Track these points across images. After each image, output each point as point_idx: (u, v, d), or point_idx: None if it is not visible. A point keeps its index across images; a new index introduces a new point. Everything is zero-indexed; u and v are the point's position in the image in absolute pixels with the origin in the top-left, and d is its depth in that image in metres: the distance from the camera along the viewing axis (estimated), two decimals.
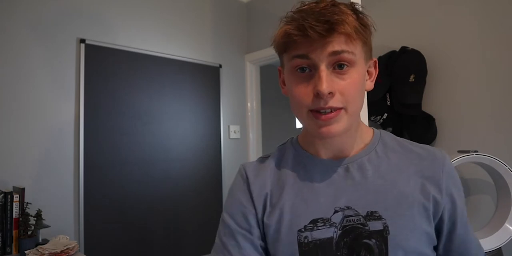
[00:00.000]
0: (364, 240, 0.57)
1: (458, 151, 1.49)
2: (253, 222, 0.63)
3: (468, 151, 1.44)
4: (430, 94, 1.78)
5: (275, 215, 0.61)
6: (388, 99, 1.81)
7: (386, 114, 1.81)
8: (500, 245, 1.38)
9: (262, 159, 0.71)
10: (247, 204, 0.64)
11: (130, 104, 2.15)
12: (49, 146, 1.85)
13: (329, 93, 0.54)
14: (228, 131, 2.68)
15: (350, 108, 0.57)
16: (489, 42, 1.62)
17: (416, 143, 0.66)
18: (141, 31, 2.26)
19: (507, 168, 1.40)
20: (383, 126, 1.86)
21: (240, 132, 2.77)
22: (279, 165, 0.68)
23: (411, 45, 1.81)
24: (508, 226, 1.40)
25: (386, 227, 0.56)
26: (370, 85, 0.64)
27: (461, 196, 0.62)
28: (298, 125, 3.43)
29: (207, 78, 2.57)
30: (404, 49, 1.81)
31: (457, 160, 1.38)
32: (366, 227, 0.57)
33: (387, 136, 0.67)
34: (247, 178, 0.67)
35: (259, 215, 0.63)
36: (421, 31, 1.84)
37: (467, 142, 1.66)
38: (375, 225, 0.57)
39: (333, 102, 0.55)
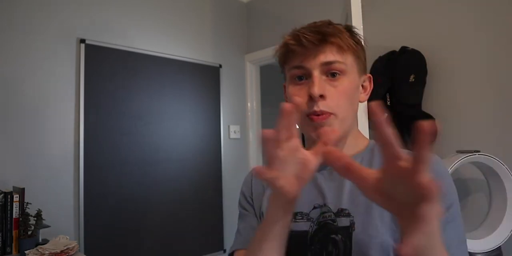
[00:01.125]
0: (332, 236, 0.60)
1: (457, 151, 1.49)
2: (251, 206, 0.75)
3: (467, 151, 1.45)
4: (430, 94, 1.78)
5: (265, 205, 0.70)
6: (388, 99, 1.81)
7: (386, 114, 1.81)
8: (499, 244, 1.38)
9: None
10: (248, 194, 0.76)
11: (130, 104, 2.15)
12: (49, 146, 1.85)
13: (321, 96, 0.60)
14: (228, 131, 2.68)
15: (340, 113, 0.61)
16: (489, 42, 1.62)
17: (407, 151, 0.66)
18: (141, 31, 2.26)
19: (504, 167, 1.41)
20: None
21: (240, 132, 2.77)
22: None
23: (411, 45, 1.81)
24: (506, 225, 1.41)
25: (352, 224, 0.59)
26: (364, 97, 0.69)
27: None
28: (298, 125, 3.42)
29: (207, 78, 2.57)
30: (404, 49, 1.81)
31: (461, 160, 1.38)
32: (335, 223, 0.61)
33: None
34: (251, 175, 0.78)
35: (257, 206, 0.73)
36: (421, 31, 1.84)
37: (467, 142, 1.66)
38: (343, 222, 0.60)
39: (324, 106, 0.60)
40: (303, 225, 0.63)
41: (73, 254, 1.53)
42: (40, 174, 1.80)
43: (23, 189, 1.60)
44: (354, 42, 0.64)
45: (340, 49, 0.61)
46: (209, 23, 2.67)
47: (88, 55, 1.99)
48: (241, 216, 0.76)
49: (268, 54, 2.70)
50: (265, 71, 3.04)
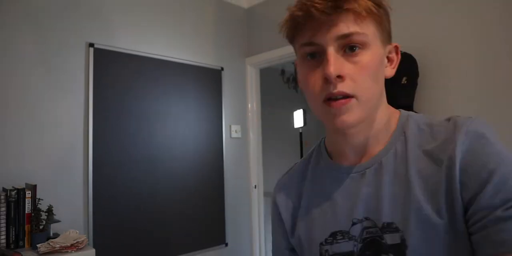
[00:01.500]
0: (382, 255, 0.51)
1: None
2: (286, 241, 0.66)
3: None
4: (422, 96, 1.80)
5: (300, 228, 0.61)
6: None
7: None
8: None
9: (290, 174, 0.70)
10: (280, 224, 0.66)
11: (137, 105, 2.20)
12: (60, 146, 1.91)
13: (338, 77, 0.48)
14: (230, 130, 2.75)
15: (362, 96, 0.50)
16: (482, 45, 1.64)
17: (440, 121, 0.54)
18: (147, 36, 2.32)
19: None
20: None
21: (241, 132, 2.83)
22: (303, 177, 0.66)
23: (403, 47, 1.81)
24: None
25: (403, 241, 0.49)
26: (391, 71, 0.57)
27: (487, 180, 0.44)
28: (296, 125, 3.48)
29: (209, 80, 2.64)
30: None
31: None
32: (383, 241, 0.51)
33: (411, 123, 0.56)
34: (275, 202, 0.68)
35: (289, 232, 0.64)
36: (413, 34, 1.84)
37: None
38: (392, 238, 0.50)
39: (343, 87, 0.49)
40: (346, 245, 0.54)
41: (83, 247, 1.58)
42: (52, 172, 1.85)
43: (35, 185, 1.65)
44: (375, 5, 0.50)
45: (358, 16, 0.48)
46: (212, 28, 2.73)
47: (96, 59, 2.04)
48: (272, 230, 0.69)
49: (268, 57, 2.77)
50: (265, 73, 3.11)
